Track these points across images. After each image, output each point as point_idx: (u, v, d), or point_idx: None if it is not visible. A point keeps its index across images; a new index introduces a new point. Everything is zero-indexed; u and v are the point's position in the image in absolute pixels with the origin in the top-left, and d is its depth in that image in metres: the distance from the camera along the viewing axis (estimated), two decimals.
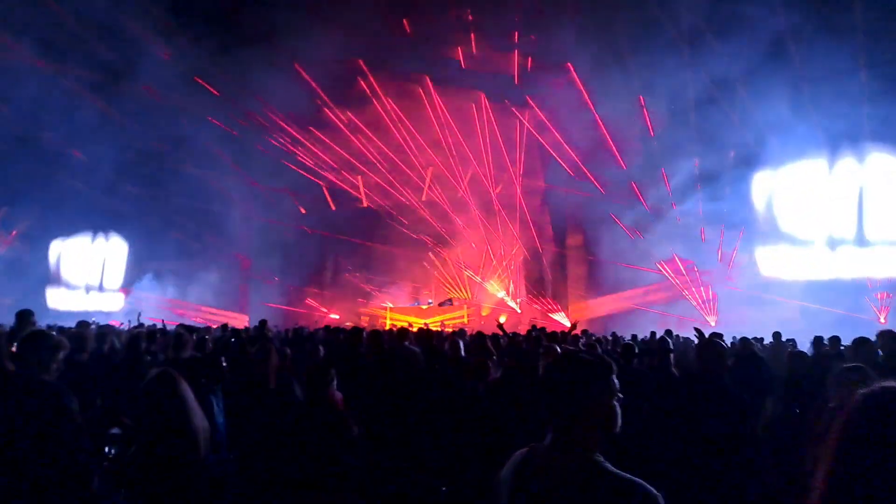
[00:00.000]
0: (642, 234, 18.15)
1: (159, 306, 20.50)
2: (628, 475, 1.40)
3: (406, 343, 6.00)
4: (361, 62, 18.80)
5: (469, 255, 22.51)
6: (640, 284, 18.35)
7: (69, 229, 21.97)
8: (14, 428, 2.29)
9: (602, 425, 1.45)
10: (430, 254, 22.79)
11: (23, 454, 2.24)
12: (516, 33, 17.73)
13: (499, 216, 21.54)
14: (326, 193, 22.81)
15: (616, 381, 1.49)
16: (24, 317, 5.23)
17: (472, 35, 18.11)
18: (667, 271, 18.18)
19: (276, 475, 3.03)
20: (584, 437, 1.43)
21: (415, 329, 10.57)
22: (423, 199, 22.05)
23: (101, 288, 23.00)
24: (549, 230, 21.39)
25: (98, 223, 22.20)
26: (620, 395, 1.49)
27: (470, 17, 17.54)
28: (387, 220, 22.53)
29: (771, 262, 17.39)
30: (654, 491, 1.36)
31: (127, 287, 23.08)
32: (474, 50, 18.50)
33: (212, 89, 18.05)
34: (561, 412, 1.46)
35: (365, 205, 22.67)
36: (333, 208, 23.10)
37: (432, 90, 19.68)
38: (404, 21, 17.41)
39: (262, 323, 8.70)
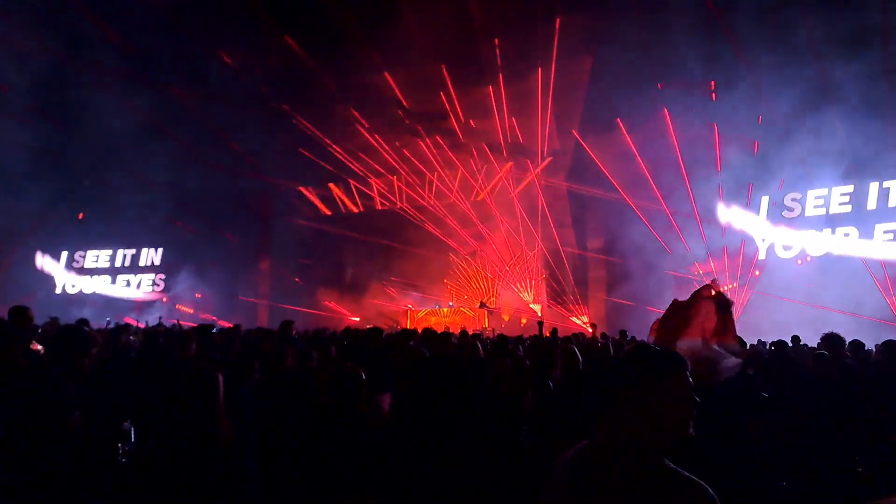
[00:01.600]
0: (664, 238, 17.98)
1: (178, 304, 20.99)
2: (685, 472, 1.35)
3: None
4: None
5: (491, 259, 22.46)
6: (661, 288, 18.12)
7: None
8: (25, 424, 2.28)
9: (672, 426, 1.39)
10: (451, 256, 22.77)
11: (32, 450, 2.24)
12: None
13: (520, 219, 21.46)
14: (355, 193, 23.10)
15: (691, 380, 1.44)
16: (21, 313, 4.93)
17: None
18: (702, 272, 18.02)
19: (304, 478, 3.03)
20: (650, 439, 1.38)
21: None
22: (451, 201, 22.14)
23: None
24: (571, 233, 21.24)
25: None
26: (698, 399, 1.42)
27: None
28: (408, 222, 22.60)
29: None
30: (713, 494, 1.31)
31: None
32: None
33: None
34: (618, 406, 1.42)
35: (398, 206, 22.79)
36: (361, 209, 23.33)
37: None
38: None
39: (286, 324, 8.66)
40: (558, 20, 16.92)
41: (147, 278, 24.73)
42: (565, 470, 1.49)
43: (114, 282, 24.76)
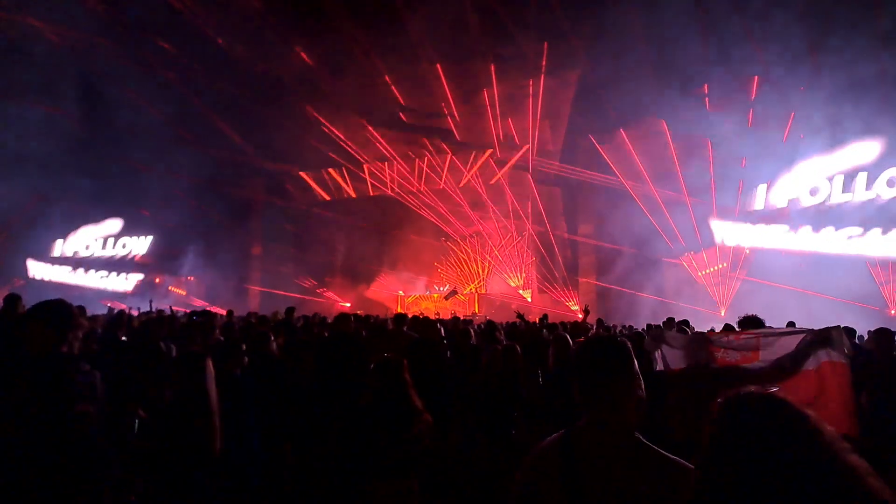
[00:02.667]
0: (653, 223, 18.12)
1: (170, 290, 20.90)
2: (673, 455, 1.42)
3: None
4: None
5: (482, 245, 22.47)
6: (651, 274, 18.25)
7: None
8: (33, 408, 2.23)
9: (639, 404, 1.47)
10: (445, 242, 22.75)
11: (41, 436, 2.19)
12: None
13: (510, 204, 21.44)
14: (347, 179, 22.98)
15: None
16: (13, 301, 5.18)
17: None
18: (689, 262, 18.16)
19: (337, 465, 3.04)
20: (627, 417, 1.45)
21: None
22: (440, 187, 22.06)
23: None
24: (562, 218, 21.29)
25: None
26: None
27: None
28: (399, 208, 22.53)
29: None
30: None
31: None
32: None
33: None
34: (605, 392, 1.47)
35: (388, 192, 22.68)
36: (353, 195, 23.25)
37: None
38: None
39: (290, 311, 8.77)
40: (546, 44, 17.37)
41: (137, 267, 24.56)
42: (551, 456, 1.52)
43: (107, 273, 24.57)
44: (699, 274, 18.35)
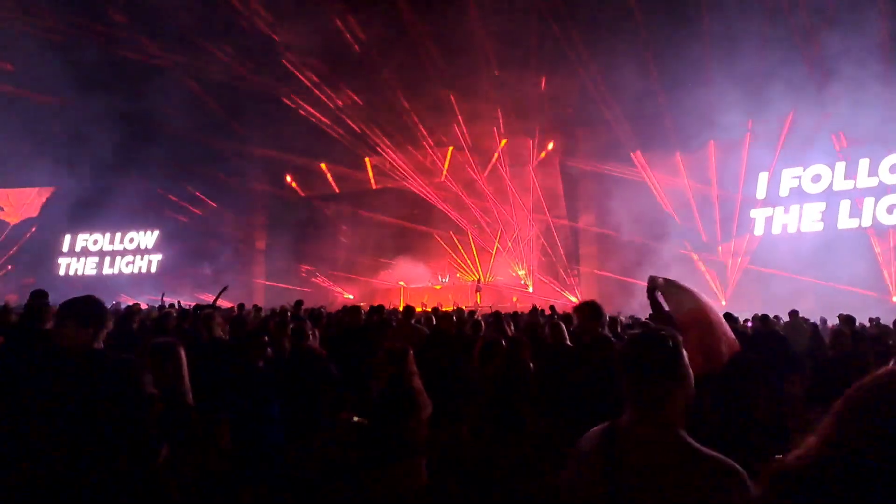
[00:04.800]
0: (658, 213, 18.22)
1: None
2: (717, 454, 1.40)
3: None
4: None
5: (483, 235, 22.50)
6: (653, 262, 18.30)
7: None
8: (86, 401, 2.24)
9: (687, 401, 1.46)
10: (450, 233, 22.78)
11: (93, 427, 2.20)
12: None
13: (511, 195, 21.46)
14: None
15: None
16: (39, 297, 5.07)
17: None
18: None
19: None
20: (672, 415, 1.44)
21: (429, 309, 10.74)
22: (442, 178, 22.09)
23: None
24: (563, 208, 21.33)
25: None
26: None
27: None
28: (403, 200, 22.53)
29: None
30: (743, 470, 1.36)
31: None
32: None
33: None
34: (651, 390, 1.45)
35: (392, 185, 22.69)
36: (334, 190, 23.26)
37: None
38: None
39: (298, 304, 8.85)
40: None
41: (142, 259, 24.77)
42: (595, 450, 1.52)
43: (111, 265, 24.79)
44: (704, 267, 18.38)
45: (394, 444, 3.10)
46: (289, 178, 24.40)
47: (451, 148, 21.87)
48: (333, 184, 24.09)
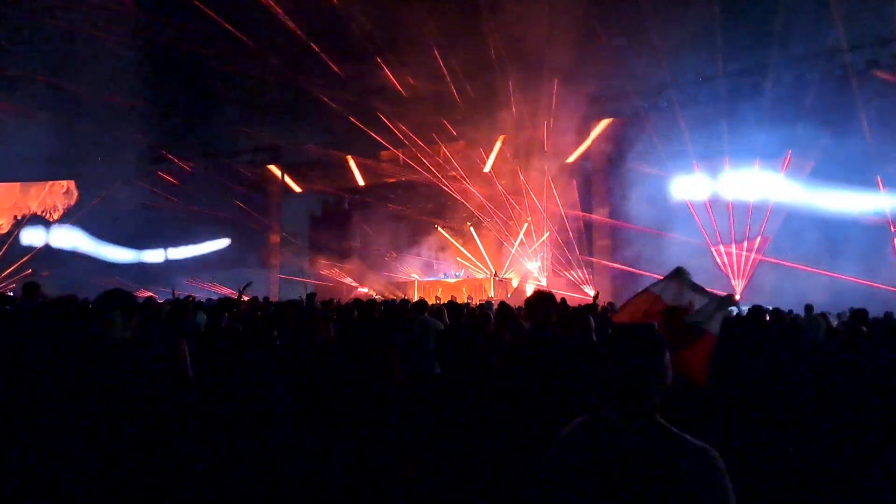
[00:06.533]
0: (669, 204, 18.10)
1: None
2: (694, 439, 1.47)
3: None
4: None
5: (496, 228, 22.49)
6: (665, 255, 18.17)
7: None
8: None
9: (664, 390, 1.54)
10: (466, 226, 22.80)
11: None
12: None
13: (525, 189, 21.40)
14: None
15: None
16: (31, 289, 5.13)
17: None
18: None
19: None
20: (653, 403, 1.52)
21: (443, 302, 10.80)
22: (451, 173, 22.06)
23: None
24: (576, 200, 21.22)
25: None
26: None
27: None
28: (415, 193, 22.57)
29: None
30: (717, 454, 1.44)
31: None
32: None
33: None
34: (635, 381, 1.52)
35: (404, 178, 22.66)
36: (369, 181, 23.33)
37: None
38: None
39: (311, 296, 8.95)
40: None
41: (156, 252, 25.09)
42: (577, 439, 1.59)
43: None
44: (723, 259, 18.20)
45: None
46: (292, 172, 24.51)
47: (501, 137, 21.70)
48: (357, 176, 23.97)
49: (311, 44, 18.10)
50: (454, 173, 22.04)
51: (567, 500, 1.56)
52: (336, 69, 18.98)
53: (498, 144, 21.69)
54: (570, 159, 20.85)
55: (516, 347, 3.46)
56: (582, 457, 1.54)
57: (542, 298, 3.54)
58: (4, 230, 24.50)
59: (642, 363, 1.53)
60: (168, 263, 24.45)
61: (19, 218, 24.84)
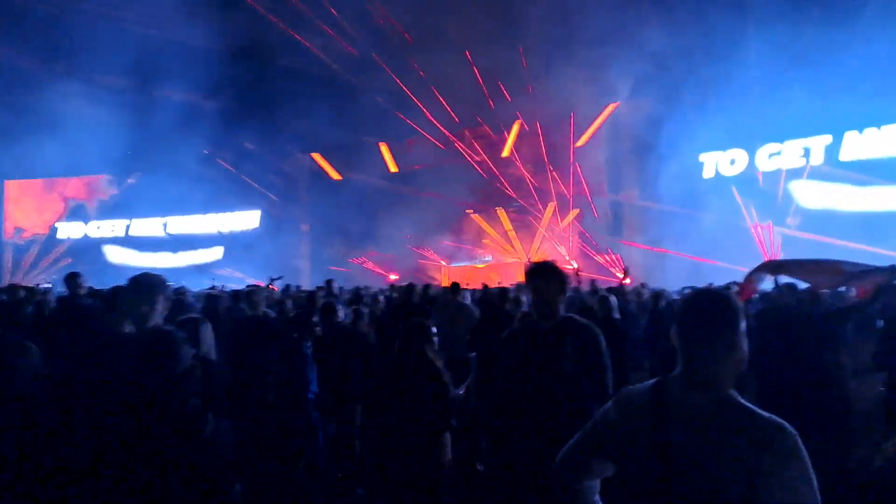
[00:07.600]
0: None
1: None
2: (768, 413, 1.41)
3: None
4: None
5: (523, 212, 22.34)
6: (699, 234, 17.82)
7: None
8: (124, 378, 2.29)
9: (739, 363, 1.48)
10: (496, 210, 22.73)
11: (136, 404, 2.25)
12: None
13: (549, 169, 21.18)
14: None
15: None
16: (73, 279, 5.08)
17: None
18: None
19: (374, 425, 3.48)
20: (726, 375, 1.46)
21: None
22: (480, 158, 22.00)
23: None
24: (603, 182, 20.95)
25: None
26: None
27: None
28: (444, 179, 22.50)
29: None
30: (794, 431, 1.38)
31: None
32: None
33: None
34: (706, 346, 1.47)
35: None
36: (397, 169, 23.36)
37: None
38: None
39: (328, 283, 9.13)
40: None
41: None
42: (642, 402, 1.55)
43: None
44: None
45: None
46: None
47: (518, 122, 21.56)
48: (390, 162, 23.98)
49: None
50: (481, 157, 21.96)
51: (628, 469, 1.56)
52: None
53: (515, 128, 21.49)
54: (594, 140, 20.56)
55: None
56: (645, 418, 1.51)
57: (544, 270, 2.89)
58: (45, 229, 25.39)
59: (713, 327, 1.47)
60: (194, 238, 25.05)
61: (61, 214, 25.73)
